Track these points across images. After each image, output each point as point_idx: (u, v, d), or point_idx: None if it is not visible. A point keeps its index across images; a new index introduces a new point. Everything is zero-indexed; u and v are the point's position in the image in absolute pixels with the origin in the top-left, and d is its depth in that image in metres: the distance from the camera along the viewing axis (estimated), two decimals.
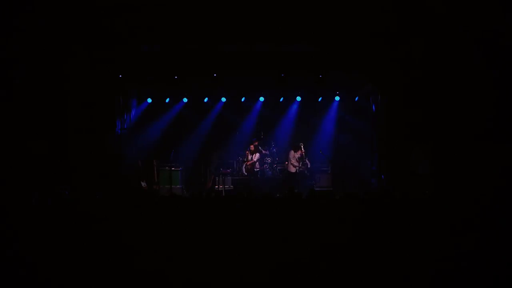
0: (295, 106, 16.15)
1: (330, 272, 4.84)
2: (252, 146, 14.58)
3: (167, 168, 14.25)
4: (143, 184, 14.08)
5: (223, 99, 15.81)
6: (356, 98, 15.55)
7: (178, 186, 14.05)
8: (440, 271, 4.78)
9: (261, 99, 15.84)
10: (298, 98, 15.68)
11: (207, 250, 5.19)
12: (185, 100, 15.65)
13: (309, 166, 14.48)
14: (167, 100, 15.75)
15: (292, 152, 14.34)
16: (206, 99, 15.87)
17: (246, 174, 14.63)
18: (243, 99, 15.87)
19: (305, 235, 5.51)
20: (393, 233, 5.68)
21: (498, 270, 4.71)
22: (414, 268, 4.85)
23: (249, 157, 14.57)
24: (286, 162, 14.51)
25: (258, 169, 14.64)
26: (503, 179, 9.58)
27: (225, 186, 14.31)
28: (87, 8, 10.60)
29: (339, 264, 4.92)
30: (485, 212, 6.29)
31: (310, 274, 4.80)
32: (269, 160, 15.15)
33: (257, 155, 14.63)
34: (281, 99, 15.89)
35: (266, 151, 15.27)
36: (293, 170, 14.27)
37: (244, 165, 14.63)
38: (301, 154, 14.28)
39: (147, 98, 15.51)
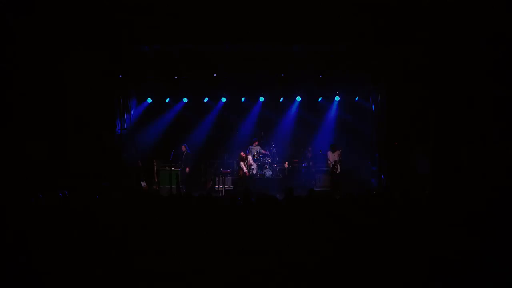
0: (295, 106, 16.16)
1: (330, 272, 4.84)
2: (242, 153, 14.43)
3: (167, 168, 14.25)
4: (143, 184, 14.08)
5: (223, 99, 15.82)
6: (356, 98, 15.56)
7: None
8: (440, 271, 4.78)
9: (261, 99, 15.85)
10: (298, 98, 15.69)
11: (207, 250, 5.19)
12: (185, 100, 15.66)
13: (338, 172, 14.27)
14: (167, 100, 15.77)
15: (329, 153, 14.38)
16: (206, 99, 15.89)
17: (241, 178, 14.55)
18: (243, 99, 15.88)
19: (304, 236, 5.51)
20: (393, 233, 5.68)
21: (498, 270, 4.71)
22: (414, 268, 4.85)
23: (242, 164, 14.37)
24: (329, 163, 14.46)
25: (254, 171, 14.60)
26: (502, 179, 9.58)
27: (225, 186, 14.31)
28: (87, 8, 10.61)
29: (339, 264, 4.92)
30: (485, 212, 6.29)
31: (310, 274, 4.80)
32: (269, 160, 15.15)
33: (250, 157, 14.59)
34: (281, 99, 15.91)
35: (266, 151, 15.28)
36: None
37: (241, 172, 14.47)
38: (338, 156, 14.24)
39: (147, 98, 15.53)
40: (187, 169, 14.60)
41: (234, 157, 15.34)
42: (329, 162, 14.35)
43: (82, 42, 11.46)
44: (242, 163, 14.20)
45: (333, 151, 14.32)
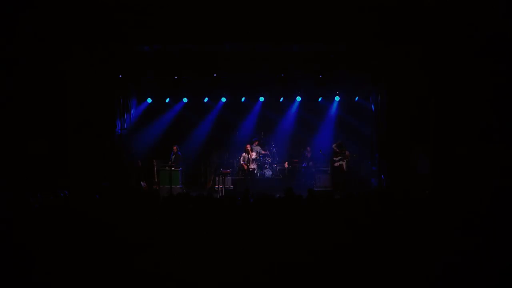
0: (295, 106, 16.16)
1: (330, 273, 4.84)
2: (248, 146, 14.54)
3: (167, 168, 14.26)
4: (143, 184, 14.09)
5: (223, 99, 15.82)
6: (356, 98, 15.56)
7: (178, 186, 14.06)
8: (440, 271, 4.78)
9: (261, 99, 15.84)
10: (298, 98, 15.68)
11: (207, 251, 5.20)
12: (185, 100, 15.66)
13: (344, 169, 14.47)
14: (167, 100, 15.78)
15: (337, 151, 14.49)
16: (206, 99, 15.89)
17: (242, 175, 14.61)
18: (243, 99, 15.88)
19: (304, 236, 5.51)
20: (393, 233, 5.68)
21: (498, 270, 4.71)
22: (414, 268, 4.85)
23: (246, 157, 14.46)
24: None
25: (252, 169, 14.63)
26: (502, 179, 9.58)
27: (225, 186, 14.32)
28: (87, 8, 10.61)
29: (338, 264, 4.92)
30: (485, 212, 6.29)
31: (310, 274, 4.80)
32: (269, 160, 15.15)
33: (254, 154, 14.66)
34: (281, 99, 15.91)
35: (266, 151, 15.28)
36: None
37: (242, 164, 14.55)
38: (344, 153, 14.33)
39: (147, 98, 15.53)
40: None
41: (234, 157, 15.36)
42: (335, 150, 14.39)
43: (82, 42, 11.46)
44: (244, 154, 14.23)
45: (342, 150, 14.40)
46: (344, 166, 14.35)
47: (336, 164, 14.44)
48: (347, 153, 14.41)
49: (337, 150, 14.47)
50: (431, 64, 11.33)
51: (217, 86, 14.51)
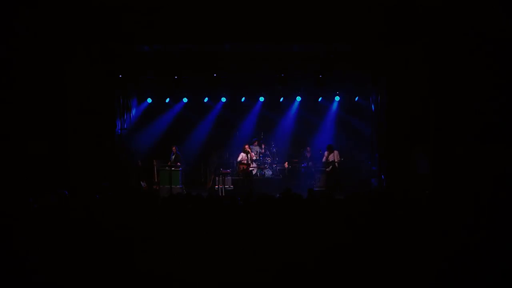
0: (295, 106, 16.17)
1: (330, 272, 4.84)
2: (247, 146, 14.48)
3: (167, 168, 14.27)
4: (143, 184, 14.09)
5: (223, 99, 15.83)
6: (356, 98, 15.56)
7: (178, 186, 14.07)
8: (440, 271, 4.78)
9: (261, 99, 15.85)
10: (298, 98, 15.69)
11: (207, 250, 5.19)
12: (185, 100, 15.67)
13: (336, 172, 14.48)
14: (167, 100, 15.78)
15: (326, 153, 14.48)
16: (206, 99, 15.90)
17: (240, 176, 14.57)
18: (243, 99, 15.89)
19: (304, 236, 5.51)
20: (393, 233, 5.68)
21: (499, 269, 4.71)
22: (414, 267, 4.85)
23: (244, 157, 14.40)
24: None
25: (252, 169, 14.59)
26: (503, 179, 9.58)
27: (225, 186, 14.32)
28: (87, 8, 10.61)
29: (338, 264, 4.92)
30: (485, 212, 6.29)
31: (310, 274, 4.80)
32: (269, 160, 15.15)
33: (252, 154, 14.63)
34: (281, 99, 15.91)
35: (265, 151, 15.28)
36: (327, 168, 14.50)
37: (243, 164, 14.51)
38: (333, 157, 14.33)
39: (147, 98, 15.54)
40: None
41: (234, 157, 15.35)
42: (327, 159, 14.40)
43: (83, 42, 11.46)
44: (243, 154, 14.11)
45: (330, 152, 14.37)
46: (337, 165, 14.35)
47: (328, 169, 14.43)
48: (336, 157, 14.34)
49: (327, 154, 14.45)
50: (431, 64, 11.32)
51: (217, 86, 14.52)
